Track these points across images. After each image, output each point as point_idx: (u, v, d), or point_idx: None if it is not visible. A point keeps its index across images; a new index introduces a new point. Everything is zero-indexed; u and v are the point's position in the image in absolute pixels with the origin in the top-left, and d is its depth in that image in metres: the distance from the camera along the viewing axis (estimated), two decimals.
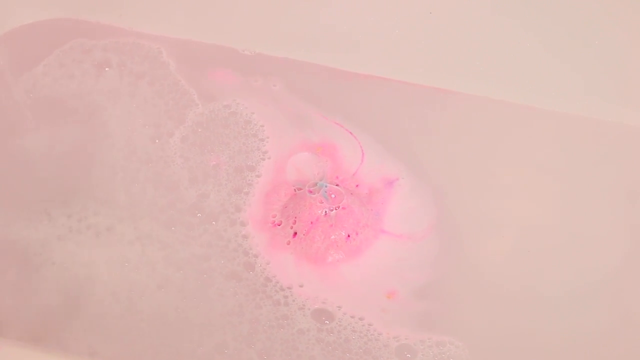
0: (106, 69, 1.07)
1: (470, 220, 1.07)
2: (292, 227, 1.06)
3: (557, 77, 1.14)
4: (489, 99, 1.13)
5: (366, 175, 1.13)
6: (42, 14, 1.09)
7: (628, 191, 1.05)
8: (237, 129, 1.09)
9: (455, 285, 0.99)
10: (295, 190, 1.09)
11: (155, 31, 1.12)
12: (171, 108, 1.07)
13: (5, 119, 1.04)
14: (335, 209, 1.07)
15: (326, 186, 1.09)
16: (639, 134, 1.08)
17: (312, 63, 1.17)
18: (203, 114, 1.07)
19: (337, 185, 1.11)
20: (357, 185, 1.13)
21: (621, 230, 1.01)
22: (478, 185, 1.10)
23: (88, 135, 1.04)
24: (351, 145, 1.13)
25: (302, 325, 0.85)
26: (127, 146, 1.05)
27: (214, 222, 1.01)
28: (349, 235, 1.08)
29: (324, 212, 1.07)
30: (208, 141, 1.07)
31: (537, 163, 1.11)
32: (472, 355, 0.86)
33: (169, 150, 1.05)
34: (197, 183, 1.05)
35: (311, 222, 1.06)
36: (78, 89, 1.06)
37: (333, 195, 1.08)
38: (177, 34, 1.15)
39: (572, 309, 0.95)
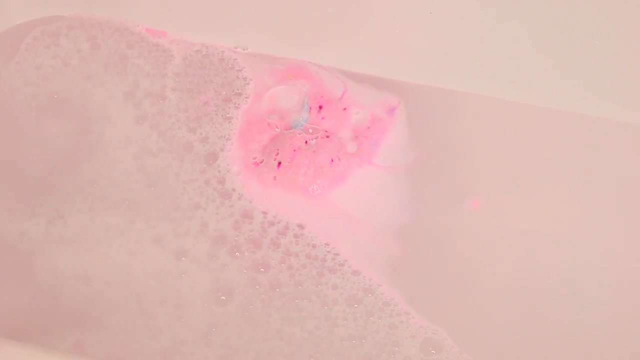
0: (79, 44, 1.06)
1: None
2: (275, 159, 1.11)
3: (557, 76, 1.12)
4: (488, 97, 1.13)
5: (359, 98, 1.14)
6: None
7: (627, 187, 1.03)
8: (214, 67, 1.13)
9: None
10: (269, 125, 1.12)
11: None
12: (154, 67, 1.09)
13: None
14: (315, 139, 1.12)
15: (302, 125, 1.13)
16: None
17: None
18: (179, 64, 1.11)
19: (320, 108, 1.13)
20: (344, 109, 1.14)
21: (618, 226, 1.01)
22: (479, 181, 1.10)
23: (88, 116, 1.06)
24: (326, 72, 1.15)
25: (409, 352, 0.84)
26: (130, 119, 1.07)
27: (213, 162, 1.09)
28: (332, 160, 1.12)
29: (304, 142, 1.12)
30: (193, 85, 1.11)
31: (538, 159, 1.10)
32: None
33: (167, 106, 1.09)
34: (198, 129, 1.10)
35: (294, 150, 1.11)
36: (62, 73, 1.06)
37: (310, 131, 1.12)
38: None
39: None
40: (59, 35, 1.07)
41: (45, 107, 1.05)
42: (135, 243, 1.00)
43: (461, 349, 0.83)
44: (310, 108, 1.15)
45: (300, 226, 1.05)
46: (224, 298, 0.90)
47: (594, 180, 1.05)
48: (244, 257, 0.98)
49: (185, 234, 1.02)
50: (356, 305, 0.90)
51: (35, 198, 1.02)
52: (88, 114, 1.06)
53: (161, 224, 1.02)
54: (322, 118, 1.15)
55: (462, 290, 0.85)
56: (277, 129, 1.13)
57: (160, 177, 1.06)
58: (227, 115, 1.13)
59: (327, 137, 1.13)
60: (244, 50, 1.12)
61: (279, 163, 1.12)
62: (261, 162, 1.12)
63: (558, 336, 0.89)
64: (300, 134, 1.13)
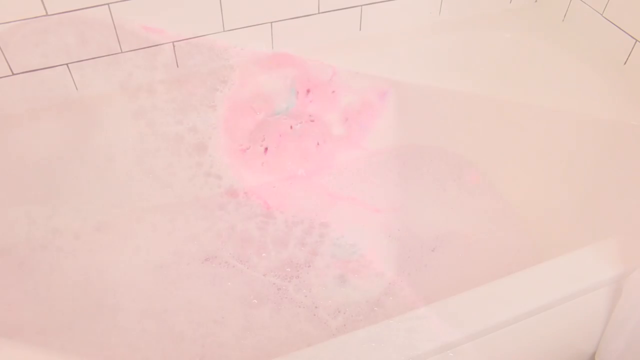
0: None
1: None
2: (261, 145, 1.14)
3: (558, 76, 1.14)
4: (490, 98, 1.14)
5: (349, 81, 1.14)
6: None
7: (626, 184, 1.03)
8: (203, 57, 1.13)
9: None
10: (254, 109, 1.13)
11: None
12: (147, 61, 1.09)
13: None
14: (300, 123, 1.15)
15: (289, 109, 1.14)
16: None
17: None
18: (171, 56, 1.11)
19: (308, 92, 1.13)
20: (333, 91, 1.16)
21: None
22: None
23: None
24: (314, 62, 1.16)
25: (427, 355, 0.82)
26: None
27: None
28: (318, 143, 1.17)
29: (289, 126, 1.15)
30: (182, 77, 1.12)
31: (521, 146, 1.14)
32: None
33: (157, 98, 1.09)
34: (186, 120, 1.11)
35: (280, 135, 1.14)
36: (54, 69, 1.04)
37: (295, 115, 1.14)
38: None
39: None
40: (47, 33, 1.06)
41: (41, 105, 1.04)
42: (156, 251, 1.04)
43: (478, 353, 0.83)
44: (298, 92, 1.16)
45: (323, 223, 1.11)
46: (255, 301, 0.96)
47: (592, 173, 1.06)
48: (270, 257, 1.03)
49: (204, 237, 1.07)
50: (377, 308, 0.94)
51: (44, 201, 1.03)
52: (83, 114, 1.06)
53: (174, 227, 1.06)
54: (310, 101, 1.16)
55: (476, 292, 0.85)
56: (258, 113, 1.14)
57: (165, 176, 1.09)
58: (212, 104, 1.14)
59: (312, 121, 1.16)
60: (241, 49, 1.12)
61: (266, 149, 1.16)
62: (248, 149, 1.15)
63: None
64: (285, 119, 1.14)
